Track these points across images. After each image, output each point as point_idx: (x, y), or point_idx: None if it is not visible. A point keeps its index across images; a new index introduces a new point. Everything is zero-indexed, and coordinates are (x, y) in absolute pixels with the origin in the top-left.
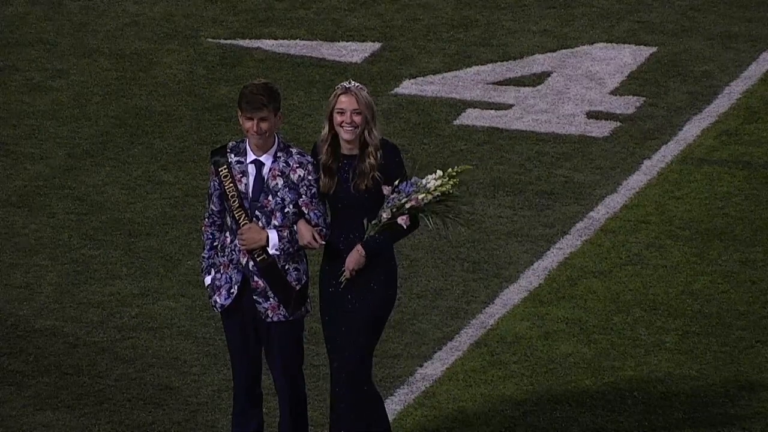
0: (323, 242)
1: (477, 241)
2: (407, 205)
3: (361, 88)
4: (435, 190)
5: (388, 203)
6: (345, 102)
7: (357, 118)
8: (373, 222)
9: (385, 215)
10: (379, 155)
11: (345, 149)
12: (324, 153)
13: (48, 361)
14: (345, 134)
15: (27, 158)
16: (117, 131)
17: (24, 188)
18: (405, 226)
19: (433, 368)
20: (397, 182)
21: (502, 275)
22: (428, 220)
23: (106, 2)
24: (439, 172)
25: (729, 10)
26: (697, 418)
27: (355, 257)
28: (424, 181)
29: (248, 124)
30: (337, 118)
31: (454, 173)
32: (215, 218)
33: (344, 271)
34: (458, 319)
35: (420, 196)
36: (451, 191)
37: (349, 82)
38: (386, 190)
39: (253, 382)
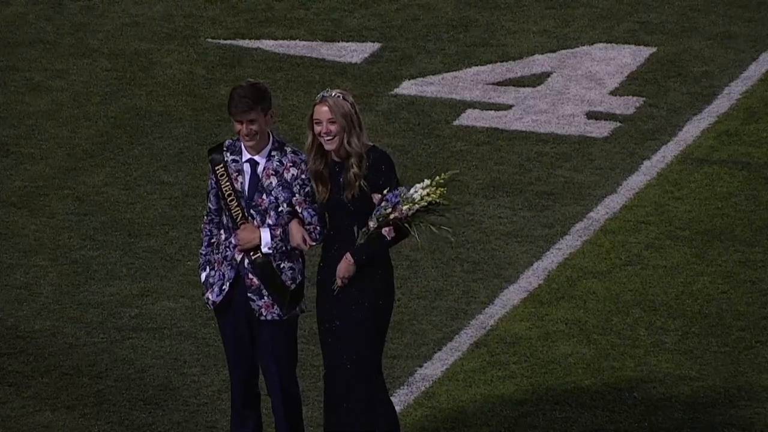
0: (313, 243)
1: (477, 241)
2: (391, 216)
3: (338, 96)
4: (421, 200)
5: (376, 212)
6: (320, 112)
7: (332, 127)
8: (362, 230)
9: (372, 224)
10: (363, 164)
11: (334, 156)
12: (311, 161)
13: (48, 362)
14: (325, 144)
15: (27, 158)
16: (117, 131)
17: (24, 188)
18: (389, 237)
19: (433, 368)
20: (386, 191)
21: (502, 276)
22: (415, 232)
23: (106, 2)
24: (426, 181)
25: (729, 10)
26: (696, 419)
27: (344, 266)
28: (411, 191)
29: (238, 128)
30: (316, 128)
31: (442, 181)
32: (213, 216)
33: (336, 279)
34: (458, 320)
35: (404, 207)
36: (437, 200)
37: (327, 91)
38: (376, 198)
39: (249, 381)
